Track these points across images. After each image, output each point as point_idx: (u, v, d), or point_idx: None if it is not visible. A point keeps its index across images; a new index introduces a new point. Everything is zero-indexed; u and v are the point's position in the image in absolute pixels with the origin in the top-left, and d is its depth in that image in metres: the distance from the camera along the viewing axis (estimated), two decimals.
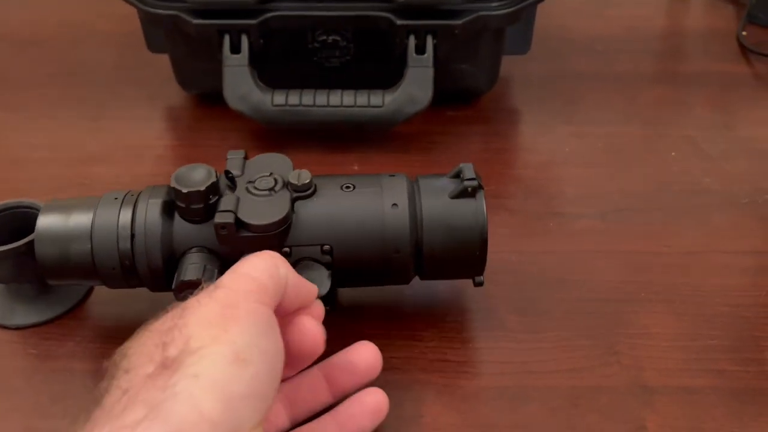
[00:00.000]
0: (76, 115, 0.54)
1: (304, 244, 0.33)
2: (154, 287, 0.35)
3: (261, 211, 0.32)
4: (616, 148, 0.50)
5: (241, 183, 0.34)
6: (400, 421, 0.33)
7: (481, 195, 0.34)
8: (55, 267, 0.34)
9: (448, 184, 0.35)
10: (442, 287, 0.39)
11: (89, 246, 0.33)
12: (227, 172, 0.34)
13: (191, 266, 0.32)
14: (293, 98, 0.47)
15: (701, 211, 0.45)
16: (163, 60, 0.54)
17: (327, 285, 0.32)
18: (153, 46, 0.53)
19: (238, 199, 0.33)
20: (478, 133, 0.53)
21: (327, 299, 0.32)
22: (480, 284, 0.36)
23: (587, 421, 0.33)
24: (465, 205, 0.34)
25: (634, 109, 0.54)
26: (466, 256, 0.34)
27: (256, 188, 0.33)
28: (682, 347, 0.36)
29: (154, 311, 0.37)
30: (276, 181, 0.34)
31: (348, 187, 0.34)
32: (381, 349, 0.36)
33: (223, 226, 0.32)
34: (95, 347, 0.37)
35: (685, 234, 0.43)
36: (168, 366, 0.24)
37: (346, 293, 0.38)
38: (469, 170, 0.34)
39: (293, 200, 0.33)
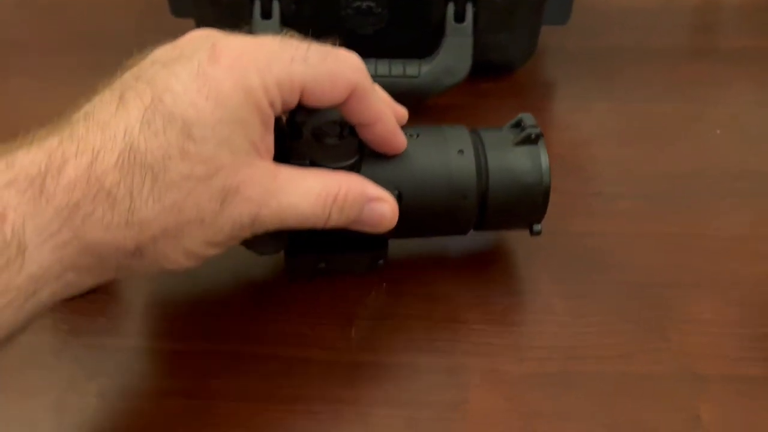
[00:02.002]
0: (96, 83, 0.52)
1: None
2: None
3: (332, 157, 0.32)
4: (656, 126, 0.48)
5: (306, 131, 0.32)
6: (443, 405, 0.32)
7: (542, 142, 0.35)
8: None
9: (508, 134, 0.35)
10: (485, 268, 0.38)
11: None
12: (292, 119, 0.33)
13: None
14: None
15: (744, 194, 0.43)
16: (186, 25, 0.51)
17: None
18: (177, 10, 0.51)
19: (308, 146, 0.31)
20: (512, 107, 0.50)
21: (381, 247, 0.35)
22: (538, 233, 0.36)
23: (637, 409, 0.32)
24: (528, 151, 0.35)
25: (673, 85, 0.52)
26: (528, 203, 0.35)
27: (324, 134, 0.32)
28: (734, 334, 0.35)
29: (189, 287, 0.37)
30: (342, 127, 0.32)
31: (412, 135, 0.34)
32: (423, 332, 0.35)
33: None
34: (128, 324, 0.35)
35: (728, 218, 0.42)
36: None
37: (387, 273, 0.37)
38: (529, 119, 0.35)
39: (360, 146, 0.33)
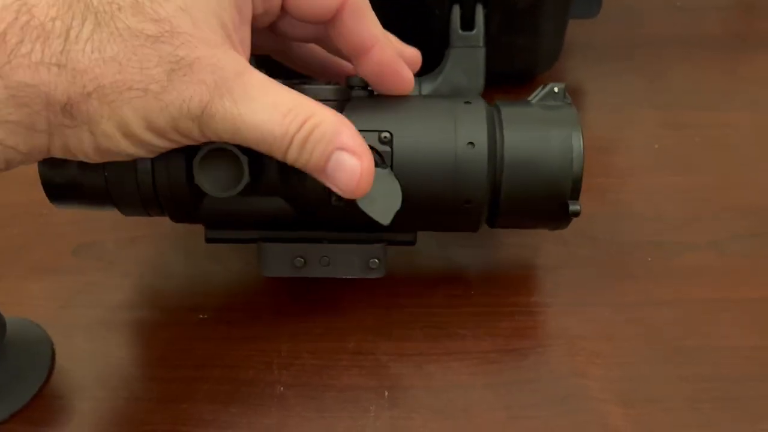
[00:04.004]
0: None
1: (360, 130, 0.26)
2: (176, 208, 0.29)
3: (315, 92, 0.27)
4: (722, 143, 0.39)
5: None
6: None
7: (575, 115, 0.29)
8: (59, 185, 0.28)
9: (537, 110, 0.30)
10: (515, 364, 0.29)
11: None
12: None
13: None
14: None
15: None
16: None
17: (399, 196, 0.27)
18: None
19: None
20: None
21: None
22: (576, 214, 0.28)
23: None
24: (558, 134, 0.28)
25: (735, 85, 0.43)
26: (553, 202, 0.28)
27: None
28: None
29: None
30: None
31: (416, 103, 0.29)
32: None
33: None
34: None
35: None
36: None
37: (387, 375, 0.29)
38: (560, 88, 0.30)
39: (350, 86, 0.29)
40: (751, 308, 0.31)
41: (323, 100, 0.26)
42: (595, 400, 0.28)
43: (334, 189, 0.25)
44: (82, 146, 0.23)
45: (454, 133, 0.28)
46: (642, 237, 0.34)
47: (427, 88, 0.36)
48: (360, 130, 0.26)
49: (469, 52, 0.36)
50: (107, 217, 0.35)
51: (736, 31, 0.47)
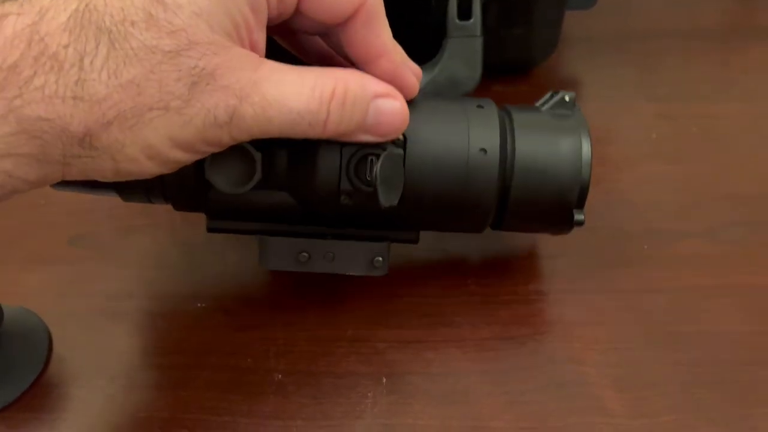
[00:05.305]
0: None
1: None
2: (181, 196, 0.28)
3: None
4: (717, 134, 0.39)
5: None
6: None
7: (584, 124, 0.29)
8: None
9: (547, 117, 0.30)
10: (514, 351, 0.29)
11: None
12: None
13: None
14: None
15: None
16: None
17: (402, 178, 0.26)
18: None
19: None
20: None
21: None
22: (580, 223, 0.29)
23: None
24: (568, 144, 0.28)
25: (732, 76, 0.43)
26: (559, 207, 0.28)
27: None
28: None
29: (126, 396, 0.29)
30: None
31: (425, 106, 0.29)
32: None
33: None
34: None
35: None
36: None
37: (384, 363, 0.29)
38: (571, 98, 0.30)
39: None
40: (746, 294, 0.31)
41: None
42: (591, 386, 0.28)
43: (376, 139, 0.26)
44: (101, 171, 0.23)
45: (467, 138, 0.28)
46: (638, 225, 0.34)
47: (424, 78, 0.36)
48: None
49: (466, 42, 0.36)
50: (103, 207, 0.35)
51: (731, 22, 0.47)
